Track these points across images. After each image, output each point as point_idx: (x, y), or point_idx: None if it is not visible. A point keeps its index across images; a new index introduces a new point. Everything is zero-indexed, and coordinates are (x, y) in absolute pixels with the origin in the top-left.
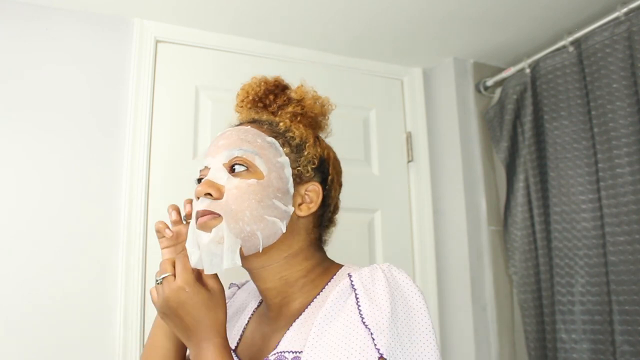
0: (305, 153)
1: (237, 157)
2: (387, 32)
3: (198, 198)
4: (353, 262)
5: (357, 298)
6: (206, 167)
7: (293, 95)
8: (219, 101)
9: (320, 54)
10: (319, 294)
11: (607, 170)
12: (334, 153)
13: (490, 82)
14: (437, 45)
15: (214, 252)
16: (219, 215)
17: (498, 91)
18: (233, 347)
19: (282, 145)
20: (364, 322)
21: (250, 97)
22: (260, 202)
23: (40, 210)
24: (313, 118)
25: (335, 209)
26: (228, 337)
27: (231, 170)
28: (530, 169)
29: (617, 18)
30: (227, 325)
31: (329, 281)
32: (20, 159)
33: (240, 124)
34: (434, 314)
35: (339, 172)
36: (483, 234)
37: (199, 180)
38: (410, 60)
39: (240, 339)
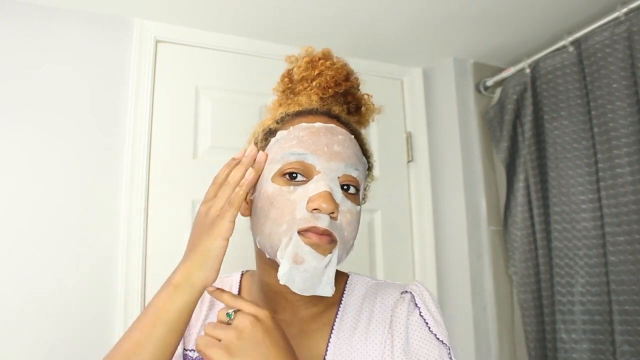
0: (369, 175)
1: (352, 177)
2: (387, 32)
3: (314, 210)
4: (353, 262)
5: (422, 315)
6: (309, 165)
7: (364, 101)
8: (219, 101)
9: None
10: (341, 302)
11: (607, 170)
12: None
13: (490, 82)
14: (437, 45)
15: (319, 277)
16: (335, 240)
17: (498, 91)
18: None
19: (368, 170)
20: (438, 339)
21: (342, 88)
22: (357, 230)
23: (40, 210)
24: (362, 127)
25: None
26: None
27: (343, 188)
28: (530, 169)
29: (617, 18)
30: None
31: (344, 290)
32: (20, 159)
33: (334, 117)
34: None
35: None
36: (483, 234)
37: (291, 175)
38: (410, 60)
39: None
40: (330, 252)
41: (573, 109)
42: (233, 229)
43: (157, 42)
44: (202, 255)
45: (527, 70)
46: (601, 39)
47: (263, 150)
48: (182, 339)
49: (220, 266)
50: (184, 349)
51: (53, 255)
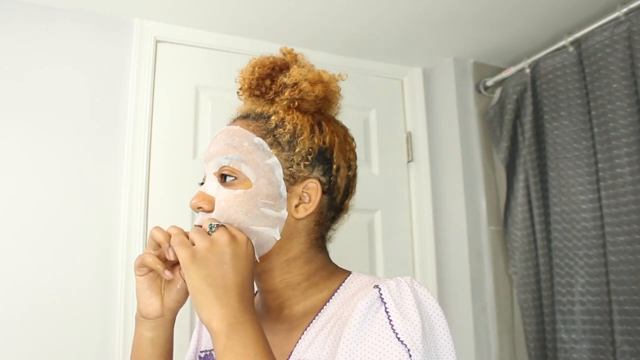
0: (298, 149)
1: (224, 166)
2: (387, 32)
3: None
4: (353, 262)
5: (387, 312)
6: (204, 174)
7: (286, 80)
8: (219, 101)
9: (320, 53)
10: (329, 300)
11: (607, 170)
12: (341, 136)
13: (490, 82)
14: (437, 45)
15: None
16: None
17: (498, 91)
18: None
19: (271, 145)
20: (398, 338)
21: (246, 85)
22: (247, 213)
23: (40, 210)
24: (314, 100)
25: (347, 195)
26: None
27: (222, 179)
28: (530, 169)
29: (617, 18)
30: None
31: (339, 287)
32: (20, 159)
33: (233, 121)
34: None
35: (348, 157)
36: (483, 234)
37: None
38: (410, 60)
39: None
40: None
41: (573, 109)
42: (140, 268)
43: (157, 42)
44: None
45: (527, 70)
46: (601, 39)
47: None
48: (199, 341)
49: (140, 297)
50: (199, 351)
51: (53, 255)
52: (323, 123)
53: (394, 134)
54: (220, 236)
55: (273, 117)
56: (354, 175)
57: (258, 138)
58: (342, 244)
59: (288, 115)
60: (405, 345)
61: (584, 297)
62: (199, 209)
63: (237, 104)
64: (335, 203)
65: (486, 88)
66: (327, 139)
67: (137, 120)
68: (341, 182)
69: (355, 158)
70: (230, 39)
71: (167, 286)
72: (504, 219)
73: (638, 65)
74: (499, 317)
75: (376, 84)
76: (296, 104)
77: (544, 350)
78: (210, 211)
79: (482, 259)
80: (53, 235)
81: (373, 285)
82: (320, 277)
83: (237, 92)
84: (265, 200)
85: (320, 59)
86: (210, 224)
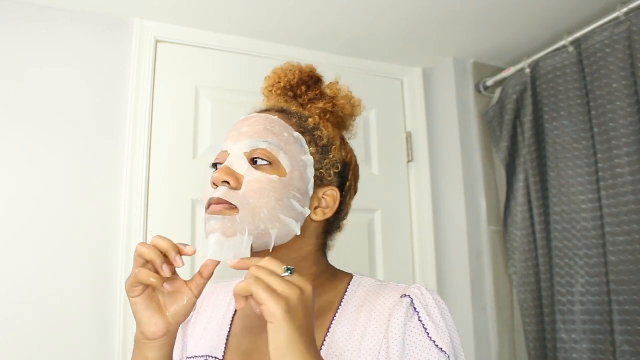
0: (331, 156)
1: (261, 149)
2: (387, 32)
3: (215, 185)
4: (353, 262)
5: (421, 320)
6: (224, 152)
7: (327, 91)
8: (219, 101)
9: (320, 54)
10: (340, 305)
11: (607, 170)
12: (356, 158)
13: (490, 82)
14: (437, 45)
15: (223, 244)
16: (235, 207)
17: (498, 91)
18: (220, 357)
19: (309, 144)
20: (437, 346)
21: (282, 84)
22: (279, 200)
23: (40, 210)
24: (342, 118)
25: (345, 215)
26: (208, 345)
27: (252, 161)
28: (530, 169)
29: (617, 18)
30: (204, 333)
31: (347, 289)
32: (20, 159)
33: (267, 111)
34: None
35: (357, 179)
36: (483, 234)
37: (215, 166)
38: (410, 60)
39: (226, 347)
40: (228, 218)
41: (573, 109)
42: (134, 288)
43: (157, 42)
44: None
45: (527, 70)
46: (601, 39)
47: None
48: (184, 346)
49: (141, 319)
50: (186, 357)
51: (53, 256)
52: (345, 141)
53: (394, 134)
54: (306, 285)
55: (310, 120)
56: (352, 199)
57: (297, 133)
58: (342, 244)
59: (322, 122)
60: (445, 353)
61: (584, 297)
62: (224, 182)
63: (237, 103)
64: (339, 220)
65: (486, 88)
66: (349, 156)
67: (137, 120)
68: (349, 200)
69: (358, 183)
70: (230, 39)
71: (170, 300)
72: (504, 219)
73: (638, 65)
74: (499, 317)
75: (376, 84)
76: (327, 116)
77: (544, 350)
78: (236, 188)
79: (482, 259)
80: (53, 235)
81: (400, 295)
82: (325, 279)
83: (268, 89)
84: (295, 193)
85: (320, 59)
86: (288, 268)
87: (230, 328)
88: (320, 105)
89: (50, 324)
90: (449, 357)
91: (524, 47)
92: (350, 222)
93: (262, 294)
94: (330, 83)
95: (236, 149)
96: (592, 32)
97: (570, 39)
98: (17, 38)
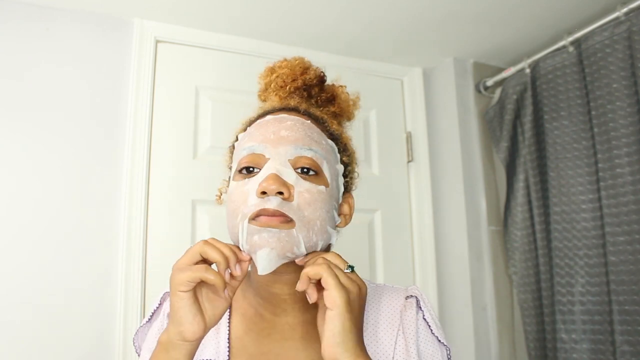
0: (355, 163)
1: (307, 157)
2: (387, 32)
3: (264, 194)
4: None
5: (425, 319)
6: (260, 155)
7: (337, 93)
8: (219, 101)
9: (320, 54)
10: None
11: (607, 170)
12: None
13: (490, 82)
14: (437, 45)
15: (272, 259)
16: (292, 220)
17: (498, 91)
18: None
19: (339, 152)
20: (439, 340)
21: (299, 82)
22: (327, 212)
23: (40, 210)
24: (345, 120)
25: None
26: (207, 349)
27: (300, 171)
28: (530, 169)
29: (617, 18)
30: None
31: None
32: (20, 159)
33: (292, 110)
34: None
35: (354, 183)
36: (483, 234)
37: (248, 170)
38: (410, 60)
39: (229, 350)
40: (286, 232)
41: (573, 109)
42: (190, 283)
43: (157, 42)
44: (172, 311)
45: (527, 70)
46: (601, 39)
47: (231, 156)
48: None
49: (185, 317)
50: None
51: (53, 255)
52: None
53: (394, 134)
54: (363, 284)
55: (330, 125)
56: None
57: (330, 141)
58: (342, 244)
59: (337, 127)
60: (446, 346)
61: (584, 297)
62: (278, 194)
63: (237, 103)
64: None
65: (486, 88)
66: (353, 161)
67: (137, 120)
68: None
69: None
70: (230, 39)
71: (211, 303)
72: (504, 219)
73: (638, 65)
74: (499, 317)
75: (376, 84)
76: (338, 119)
77: (544, 350)
78: (288, 199)
79: (482, 259)
80: (53, 235)
81: (405, 296)
82: None
83: (281, 85)
84: (335, 204)
85: (320, 59)
86: (350, 266)
87: (229, 330)
88: (332, 109)
89: (50, 324)
90: (448, 350)
91: (524, 47)
92: (350, 222)
93: (331, 280)
94: (340, 86)
95: (277, 155)
96: (592, 32)
97: (570, 39)
98: (18, 38)
